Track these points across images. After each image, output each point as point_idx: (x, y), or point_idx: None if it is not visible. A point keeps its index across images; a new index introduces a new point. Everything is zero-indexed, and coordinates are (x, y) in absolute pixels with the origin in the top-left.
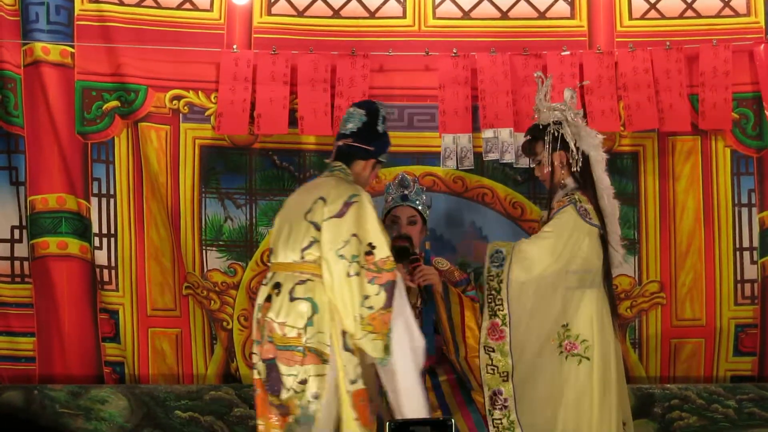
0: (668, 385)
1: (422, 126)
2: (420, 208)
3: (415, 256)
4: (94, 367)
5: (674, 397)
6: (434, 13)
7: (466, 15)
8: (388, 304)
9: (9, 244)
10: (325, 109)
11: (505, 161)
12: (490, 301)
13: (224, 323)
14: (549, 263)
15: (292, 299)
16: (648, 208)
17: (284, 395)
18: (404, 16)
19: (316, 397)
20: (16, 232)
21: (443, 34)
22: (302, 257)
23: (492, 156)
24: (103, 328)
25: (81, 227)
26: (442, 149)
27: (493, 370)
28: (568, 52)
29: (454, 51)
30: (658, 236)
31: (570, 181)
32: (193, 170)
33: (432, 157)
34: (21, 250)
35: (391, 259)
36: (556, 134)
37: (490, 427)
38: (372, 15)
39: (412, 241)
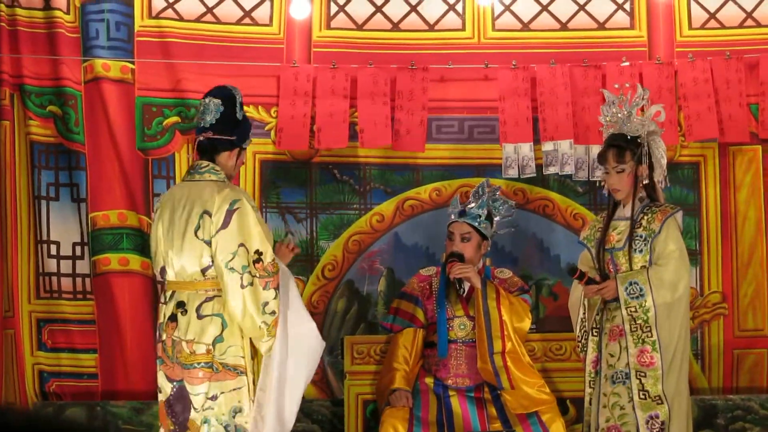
0: (731, 396)
1: (482, 138)
2: (477, 224)
3: (452, 256)
4: (156, 383)
5: (737, 408)
6: (494, 25)
7: (526, 27)
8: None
9: (71, 261)
10: (385, 121)
11: (565, 173)
12: (635, 330)
13: None
14: (686, 281)
15: (201, 317)
16: (709, 219)
17: (192, 415)
18: (463, 29)
19: (239, 411)
20: (78, 249)
21: (502, 45)
22: (204, 276)
23: (552, 169)
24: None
25: (142, 243)
26: (503, 158)
27: (645, 395)
28: (627, 63)
29: (514, 63)
30: (719, 247)
31: (643, 194)
32: (253, 184)
33: (492, 169)
34: (83, 266)
35: (276, 260)
36: (646, 147)
37: None
38: (431, 28)
39: (462, 258)
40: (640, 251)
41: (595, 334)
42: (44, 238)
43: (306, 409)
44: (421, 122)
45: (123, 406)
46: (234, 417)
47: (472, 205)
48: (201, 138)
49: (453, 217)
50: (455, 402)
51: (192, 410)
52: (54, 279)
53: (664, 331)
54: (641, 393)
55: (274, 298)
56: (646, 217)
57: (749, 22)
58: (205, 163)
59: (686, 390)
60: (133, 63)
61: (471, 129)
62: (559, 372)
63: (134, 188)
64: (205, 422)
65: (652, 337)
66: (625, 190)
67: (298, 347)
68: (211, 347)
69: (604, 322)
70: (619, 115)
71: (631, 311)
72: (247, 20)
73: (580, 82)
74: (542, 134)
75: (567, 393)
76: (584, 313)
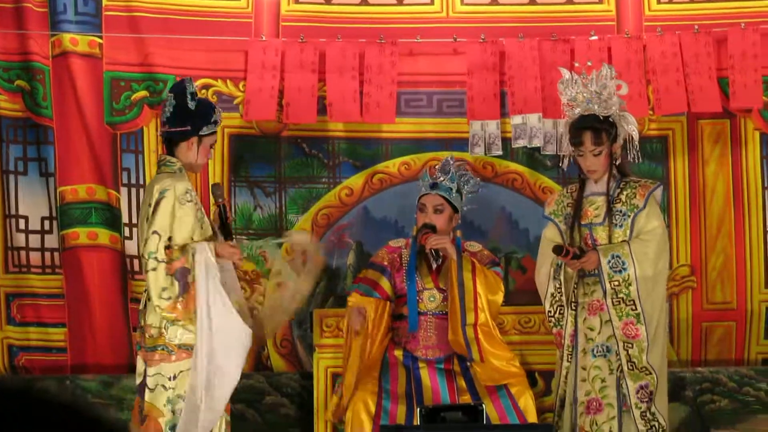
0: (699, 369)
1: (451, 112)
2: (449, 196)
3: (425, 227)
4: (126, 357)
5: (706, 380)
6: None
7: (494, 1)
8: (183, 291)
9: (39, 236)
10: (353, 96)
11: (533, 145)
12: (617, 303)
13: (255, 311)
14: (666, 256)
15: (150, 299)
16: (678, 192)
17: (147, 396)
18: (432, 3)
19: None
20: (47, 223)
21: (471, 20)
22: None
23: (520, 143)
24: (134, 318)
25: (111, 217)
26: (470, 136)
27: (632, 366)
28: (596, 37)
29: (482, 37)
30: (688, 220)
31: (615, 171)
32: (222, 159)
33: (461, 143)
34: (51, 241)
35: (178, 247)
36: (619, 126)
37: (638, 420)
38: (400, 2)
39: (435, 230)
40: (620, 226)
41: (573, 308)
42: (12, 212)
43: (275, 383)
44: (390, 95)
45: (92, 380)
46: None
47: (443, 178)
48: (161, 133)
49: (424, 189)
50: (424, 374)
51: (147, 391)
52: (23, 253)
53: (647, 304)
54: (629, 364)
55: (172, 285)
56: (624, 192)
57: None
58: (163, 156)
59: (666, 361)
60: (101, 37)
61: (440, 103)
62: (528, 345)
63: (103, 162)
64: (168, 403)
65: (636, 310)
66: (601, 170)
67: (226, 339)
68: (164, 329)
69: (580, 296)
70: (585, 94)
71: (614, 285)
72: None
73: (549, 56)
74: (511, 108)
75: (536, 366)
76: (558, 287)
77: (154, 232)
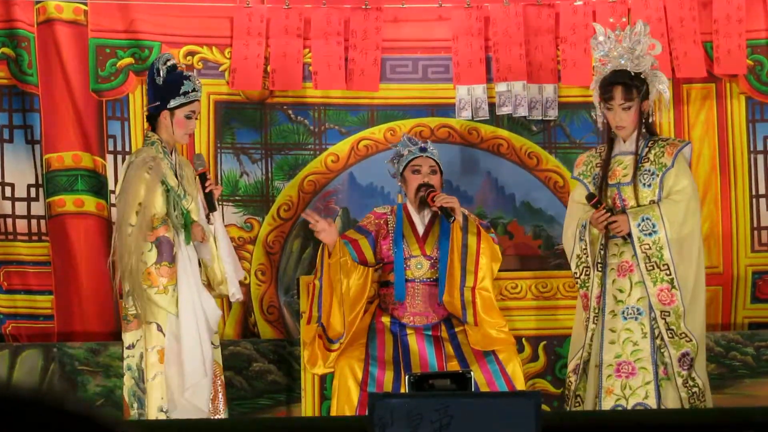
0: None
1: (436, 78)
2: (439, 161)
3: (429, 185)
4: (113, 324)
5: None
6: None
7: None
8: (163, 259)
9: (26, 203)
10: (339, 62)
11: (518, 114)
12: (651, 269)
13: (242, 278)
14: (698, 216)
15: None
16: None
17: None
18: None
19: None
20: (33, 191)
21: None
22: None
23: (505, 110)
24: (121, 285)
25: (97, 184)
26: (456, 100)
27: (672, 333)
28: (580, 2)
29: (467, 2)
30: None
31: (644, 129)
32: (208, 126)
33: (447, 109)
34: (38, 208)
35: (159, 216)
36: (650, 84)
37: (680, 388)
38: None
39: (435, 189)
40: (648, 185)
41: (599, 269)
42: None
43: (262, 349)
44: (374, 62)
45: (79, 347)
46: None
47: (424, 143)
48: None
49: (413, 153)
50: (412, 340)
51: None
52: (9, 221)
53: (681, 267)
54: (668, 332)
55: (149, 251)
56: (653, 151)
57: None
58: (146, 132)
59: (704, 324)
60: (85, 4)
61: (425, 69)
62: (515, 311)
63: (88, 130)
64: (127, 369)
65: (670, 275)
66: (630, 126)
67: (197, 320)
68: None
69: (608, 257)
70: (618, 50)
71: (644, 249)
72: None
73: (534, 22)
74: (495, 75)
75: (523, 331)
76: (584, 248)
77: (124, 197)
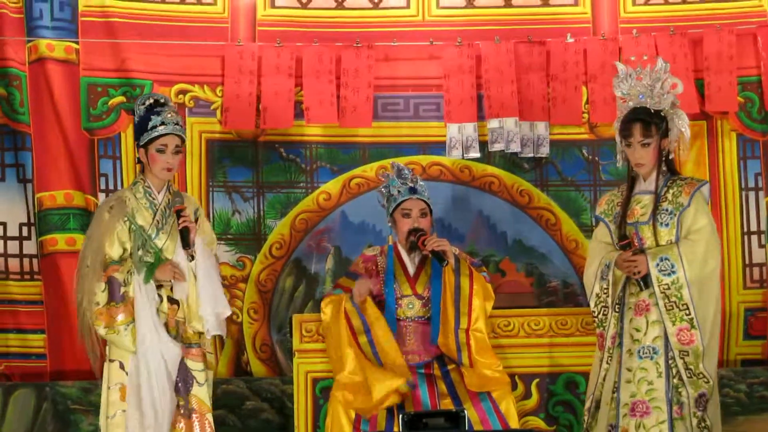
0: None
1: (428, 116)
2: (428, 200)
3: (420, 229)
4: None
5: None
6: (438, 2)
7: (470, 4)
8: (112, 299)
9: (18, 242)
10: (330, 99)
11: (510, 151)
12: (671, 308)
13: (234, 316)
14: (717, 256)
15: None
16: None
17: (195, 389)
18: (408, 6)
19: None
20: (25, 230)
21: (447, 23)
22: None
23: (498, 146)
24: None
25: (89, 223)
26: (447, 139)
27: (690, 373)
28: (572, 40)
29: (459, 40)
30: None
31: (665, 167)
32: (200, 164)
33: (438, 147)
34: (30, 247)
35: (109, 256)
36: (670, 121)
37: (694, 428)
38: (376, 6)
39: (425, 233)
40: (666, 225)
41: (616, 310)
42: None
43: (255, 388)
44: (367, 99)
45: (71, 386)
46: None
47: (412, 183)
48: None
49: (402, 195)
50: None
51: (196, 385)
52: (1, 260)
53: (701, 307)
54: (687, 371)
55: (102, 291)
56: (671, 191)
57: None
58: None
59: (716, 364)
60: (77, 43)
61: (416, 107)
62: (507, 348)
63: (80, 168)
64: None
65: (689, 314)
66: (649, 164)
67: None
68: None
69: (627, 296)
70: (639, 88)
71: (663, 289)
72: (191, 0)
73: (525, 59)
74: (487, 111)
75: (516, 369)
76: (606, 288)
77: (89, 241)
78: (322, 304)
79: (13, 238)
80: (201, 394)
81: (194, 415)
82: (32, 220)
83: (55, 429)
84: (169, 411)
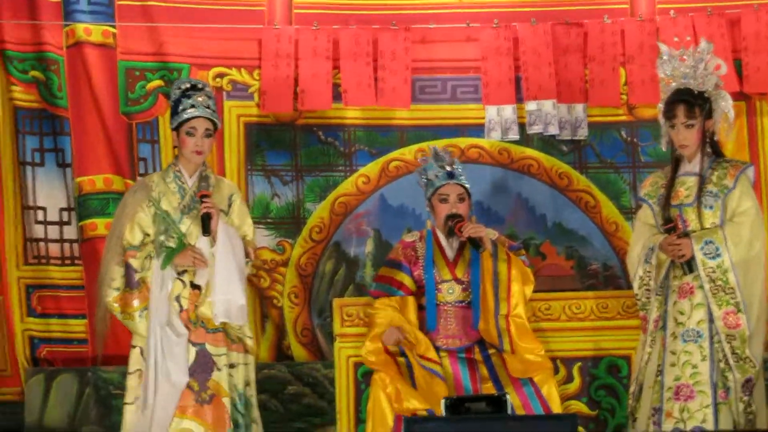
0: None
1: (466, 98)
2: (467, 184)
3: (457, 215)
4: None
5: None
6: None
7: None
8: (127, 284)
9: (58, 227)
10: (368, 81)
11: (549, 133)
12: (716, 292)
13: (275, 301)
14: (763, 238)
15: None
16: None
17: (215, 374)
18: None
19: (248, 383)
20: (65, 215)
21: (484, 5)
22: None
23: (536, 129)
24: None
25: None
26: (486, 121)
27: (737, 358)
28: (609, 21)
29: (495, 22)
30: None
31: (709, 149)
32: (238, 148)
33: (476, 129)
34: (70, 232)
35: (127, 241)
36: (714, 102)
37: (740, 413)
38: None
39: (462, 219)
40: (710, 207)
41: (659, 293)
42: (30, 204)
43: (296, 372)
44: (405, 81)
45: (113, 371)
46: (245, 388)
47: (450, 167)
48: None
49: (440, 179)
50: (446, 363)
51: (215, 370)
52: (41, 245)
53: (746, 290)
54: (734, 356)
55: (122, 276)
56: (716, 173)
57: None
58: None
59: (763, 349)
60: (114, 27)
61: (454, 89)
62: (549, 332)
63: (119, 153)
64: (230, 387)
65: (735, 298)
66: (693, 145)
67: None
68: None
69: (671, 279)
70: (682, 69)
71: (709, 272)
72: None
73: (562, 41)
74: (525, 94)
75: (557, 353)
76: (650, 271)
77: (112, 223)
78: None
79: (53, 223)
80: (220, 378)
81: (212, 401)
82: (72, 205)
83: (98, 414)
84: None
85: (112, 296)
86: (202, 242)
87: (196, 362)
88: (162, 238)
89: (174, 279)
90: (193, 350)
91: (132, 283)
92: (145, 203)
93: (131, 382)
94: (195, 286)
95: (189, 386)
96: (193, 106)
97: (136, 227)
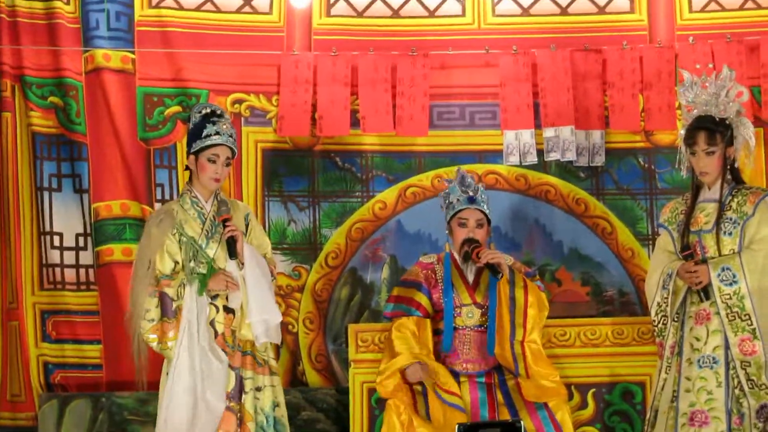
0: None
1: (483, 124)
2: (487, 210)
3: (474, 240)
4: (161, 373)
5: None
6: (494, 10)
7: (526, 12)
8: (164, 314)
9: (74, 252)
10: (386, 108)
11: (566, 159)
12: (732, 318)
13: (290, 326)
14: None
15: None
16: None
17: (242, 397)
18: (464, 15)
19: (277, 405)
20: (81, 240)
21: (503, 31)
22: None
23: (553, 156)
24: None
25: None
26: (504, 146)
27: (752, 384)
28: (628, 47)
29: (514, 48)
30: None
31: (729, 176)
32: (255, 174)
33: (494, 155)
34: (86, 257)
35: (160, 271)
36: (735, 129)
37: None
38: (431, 14)
39: (480, 245)
40: (729, 234)
41: (675, 319)
42: (47, 229)
43: (311, 398)
44: (423, 108)
45: (128, 397)
46: (273, 410)
47: (472, 192)
48: None
49: (460, 204)
50: (465, 389)
51: (243, 393)
52: (57, 270)
53: (763, 317)
54: (749, 382)
55: (156, 307)
56: (736, 200)
57: (749, 4)
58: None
59: None
60: (133, 53)
61: (472, 115)
62: (563, 358)
63: (136, 178)
64: (256, 410)
65: (752, 325)
66: (714, 172)
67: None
68: None
69: (688, 305)
70: (704, 96)
71: (725, 299)
72: (247, 9)
73: (581, 67)
74: (543, 120)
75: (572, 379)
76: (666, 297)
77: (138, 253)
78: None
79: (69, 249)
80: (246, 402)
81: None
82: (88, 231)
83: None
84: (206, 424)
85: (147, 328)
86: (230, 266)
87: (236, 386)
88: (192, 264)
89: (208, 304)
90: (232, 374)
91: (169, 312)
92: (170, 231)
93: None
94: (228, 310)
95: (231, 409)
96: (218, 133)
97: (166, 256)
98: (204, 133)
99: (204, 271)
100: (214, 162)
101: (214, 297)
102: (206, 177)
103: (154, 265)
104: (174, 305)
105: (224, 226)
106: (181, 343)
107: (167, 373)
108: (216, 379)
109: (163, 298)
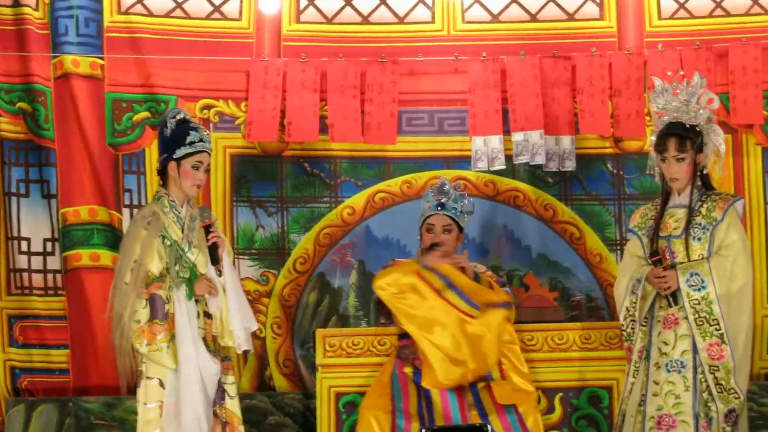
0: None
1: (452, 130)
2: (456, 216)
3: (437, 244)
4: (129, 378)
5: None
6: (463, 17)
7: (495, 18)
8: (155, 316)
9: (42, 257)
10: (355, 115)
11: (535, 163)
12: (701, 323)
13: (257, 331)
14: (748, 271)
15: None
16: None
17: (228, 402)
18: (433, 21)
19: None
20: (49, 245)
21: (472, 38)
22: None
23: (522, 159)
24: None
25: (113, 239)
26: (473, 151)
27: (721, 388)
28: (597, 54)
29: (484, 54)
30: None
31: (699, 183)
32: (224, 179)
33: (462, 162)
34: (54, 262)
35: (151, 273)
36: (705, 136)
37: None
38: (401, 20)
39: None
40: (698, 239)
41: (644, 324)
42: (15, 234)
43: (278, 403)
44: (391, 115)
45: (95, 402)
46: None
47: (445, 198)
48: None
49: (430, 210)
50: (434, 392)
51: (228, 398)
52: (25, 275)
53: (731, 323)
54: (717, 387)
55: (143, 308)
56: (705, 205)
57: (718, 11)
58: (156, 189)
59: (748, 381)
60: (102, 59)
61: (441, 121)
62: (531, 363)
63: (105, 184)
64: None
65: (720, 329)
66: (684, 179)
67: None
68: None
69: (656, 310)
70: (675, 102)
71: (693, 304)
72: (216, 15)
73: (550, 73)
74: (512, 125)
75: (540, 383)
76: (635, 302)
77: (123, 254)
78: (380, 282)
79: (36, 254)
80: (233, 406)
81: (227, 428)
82: (56, 236)
83: None
84: (208, 427)
85: (135, 330)
86: (210, 272)
87: (218, 391)
88: (176, 268)
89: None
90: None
91: (160, 315)
92: (158, 233)
93: (150, 414)
94: (208, 315)
95: (216, 414)
96: (201, 140)
97: (156, 257)
98: (188, 140)
99: (187, 276)
100: (197, 168)
101: (195, 302)
102: (188, 183)
103: (144, 267)
104: (165, 308)
105: (208, 232)
106: (180, 347)
107: (150, 377)
108: (214, 384)
109: (154, 300)
